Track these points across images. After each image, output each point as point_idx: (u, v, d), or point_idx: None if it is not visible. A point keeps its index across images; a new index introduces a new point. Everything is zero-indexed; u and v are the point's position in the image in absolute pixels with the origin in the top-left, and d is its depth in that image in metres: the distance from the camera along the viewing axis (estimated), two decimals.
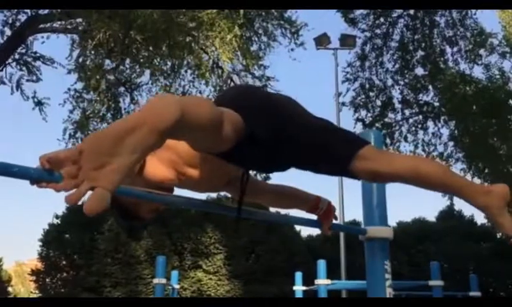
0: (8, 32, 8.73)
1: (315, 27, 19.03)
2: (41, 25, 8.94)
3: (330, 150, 1.46)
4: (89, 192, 0.85)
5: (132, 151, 0.88)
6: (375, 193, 2.11)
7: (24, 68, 9.09)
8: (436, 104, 11.69)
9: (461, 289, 7.17)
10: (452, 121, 11.68)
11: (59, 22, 8.72)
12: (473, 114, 11.03)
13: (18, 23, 8.69)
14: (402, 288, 6.43)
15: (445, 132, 11.80)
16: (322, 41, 13.21)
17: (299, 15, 9.99)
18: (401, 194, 8.03)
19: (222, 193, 1.84)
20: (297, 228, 15.19)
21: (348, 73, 11.67)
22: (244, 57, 8.93)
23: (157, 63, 8.96)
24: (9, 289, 22.11)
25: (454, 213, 16.69)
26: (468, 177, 11.33)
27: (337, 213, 1.98)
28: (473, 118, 11.03)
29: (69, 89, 8.95)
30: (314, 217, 1.89)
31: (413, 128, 11.77)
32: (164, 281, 5.50)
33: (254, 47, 9.33)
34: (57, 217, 14.82)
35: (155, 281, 5.50)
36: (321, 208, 1.86)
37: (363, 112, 11.56)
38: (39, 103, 9.13)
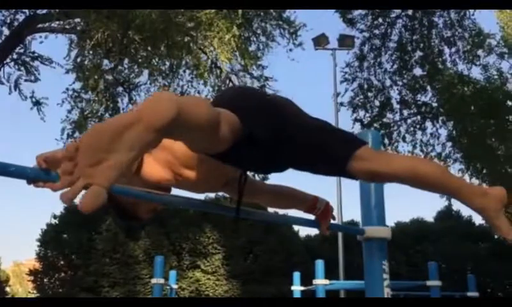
0: (6, 32, 8.73)
1: (314, 28, 19.05)
2: (40, 25, 8.92)
3: (328, 151, 1.46)
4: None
5: (129, 148, 0.87)
6: (373, 193, 2.11)
7: (22, 68, 9.08)
8: (435, 104, 11.70)
9: (459, 289, 7.17)
10: (450, 121, 11.70)
11: (57, 22, 8.70)
12: (471, 114, 11.04)
13: (16, 23, 8.68)
14: (400, 288, 6.44)
15: (443, 132, 11.83)
16: (320, 41, 13.23)
17: (298, 16, 10.01)
18: (399, 194, 8.07)
19: (220, 193, 1.83)
20: (296, 228, 15.20)
21: (346, 74, 11.69)
22: (242, 57, 8.93)
23: (155, 63, 8.95)
24: (7, 289, 22.10)
25: (452, 213, 16.71)
26: (466, 177, 11.35)
27: (335, 213, 1.98)
28: (472, 118, 11.04)
29: (67, 89, 8.94)
30: (312, 217, 1.90)
31: (411, 129, 11.79)
32: (162, 281, 5.49)
33: (252, 47, 9.34)
34: (55, 217, 14.80)
35: (153, 281, 5.49)
36: (319, 208, 1.86)
37: (361, 113, 11.58)
38: (37, 103, 9.12)
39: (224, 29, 8.06)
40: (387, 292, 1.99)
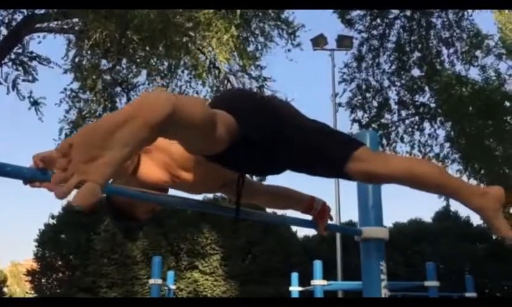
0: (4, 31, 8.72)
1: (312, 28, 19.02)
2: (38, 25, 8.91)
3: (325, 152, 1.46)
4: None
5: (124, 144, 0.87)
6: (370, 194, 2.11)
7: (20, 68, 9.07)
8: (433, 105, 11.72)
9: (457, 290, 7.17)
10: (449, 122, 11.72)
11: (55, 22, 8.69)
12: (469, 115, 11.05)
13: (14, 23, 8.67)
14: (398, 288, 6.45)
15: (442, 133, 11.85)
16: (319, 42, 13.25)
17: (296, 16, 10.00)
18: (397, 194, 8.06)
19: (218, 193, 1.83)
20: (294, 228, 15.18)
21: (345, 74, 11.70)
22: (240, 58, 8.93)
23: (153, 63, 8.94)
24: (5, 289, 22.04)
25: (450, 214, 16.71)
26: (464, 178, 11.35)
27: (333, 213, 1.98)
28: (470, 119, 11.06)
29: (65, 89, 8.94)
30: (310, 217, 1.90)
31: (410, 129, 11.81)
32: (160, 281, 5.48)
33: (251, 48, 9.34)
34: (53, 217, 14.76)
35: (151, 281, 5.48)
36: (316, 208, 1.86)
37: (359, 113, 11.60)
38: (35, 103, 9.11)
39: (223, 29, 8.06)
40: (385, 293, 1.99)
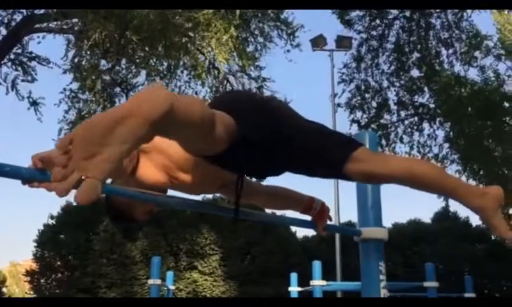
0: (3, 31, 8.71)
1: (312, 29, 19.02)
2: (37, 25, 8.91)
3: (325, 153, 1.46)
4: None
5: (123, 141, 0.87)
6: (370, 194, 2.11)
7: (20, 68, 9.07)
8: (432, 106, 11.72)
9: (456, 290, 7.18)
10: (448, 122, 11.72)
11: (54, 22, 8.69)
12: (468, 115, 11.06)
13: (13, 23, 8.66)
14: (397, 289, 6.45)
15: (441, 133, 11.85)
16: (318, 42, 13.25)
17: (296, 17, 10.00)
18: (397, 195, 8.05)
19: (218, 194, 1.83)
20: (293, 228, 15.18)
21: (344, 75, 11.70)
22: (240, 58, 8.92)
23: (153, 64, 8.94)
24: (4, 289, 22.02)
25: (449, 214, 16.72)
26: (463, 179, 11.36)
27: (333, 214, 1.98)
28: (469, 119, 11.07)
29: (64, 90, 8.93)
30: (309, 218, 1.89)
31: (409, 130, 11.81)
32: (159, 281, 5.48)
33: (250, 48, 9.34)
34: (52, 217, 14.75)
35: (150, 281, 5.48)
36: (315, 208, 1.86)
37: (358, 114, 11.60)
38: (34, 103, 9.10)
39: (222, 29, 8.05)
40: (384, 293, 1.99)
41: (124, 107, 0.91)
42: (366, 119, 11.53)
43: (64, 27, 8.72)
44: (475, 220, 16.94)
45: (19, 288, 30.31)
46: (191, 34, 8.33)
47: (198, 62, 8.85)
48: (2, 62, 8.78)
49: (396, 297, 5.98)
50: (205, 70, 9.00)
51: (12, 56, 8.98)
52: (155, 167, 1.45)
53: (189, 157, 1.40)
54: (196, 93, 9.41)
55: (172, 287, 6.96)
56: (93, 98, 8.90)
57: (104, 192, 1.37)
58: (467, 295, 6.54)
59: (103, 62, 8.82)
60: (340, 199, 12.61)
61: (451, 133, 11.78)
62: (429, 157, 11.64)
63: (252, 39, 9.39)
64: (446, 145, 11.95)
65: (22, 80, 9.09)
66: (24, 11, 8.53)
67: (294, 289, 6.10)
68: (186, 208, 2.29)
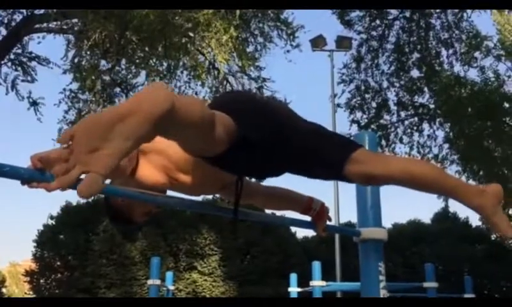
0: (3, 31, 8.72)
1: (311, 29, 18.99)
2: (37, 25, 8.91)
3: (324, 155, 1.46)
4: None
5: (125, 138, 0.87)
6: (369, 195, 2.11)
7: (19, 68, 9.07)
8: (432, 106, 11.73)
9: (456, 291, 7.17)
10: (447, 123, 11.73)
11: (54, 22, 8.69)
12: (468, 116, 11.07)
13: (13, 23, 8.67)
14: (396, 289, 6.45)
15: (440, 134, 11.87)
16: (318, 42, 13.24)
17: (296, 17, 10.00)
18: (396, 195, 8.06)
19: (217, 194, 1.83)
20: (293, 229, 15.18)
21: (344, 75, 11.71)
22: (240, 59, 8.92)
23: (152, 64, 8.94)
24: (3, 290, 22.02)
25: (449, 215, 16.72)
26: (463, 179, 11.36)
27: (332, 214, 1.98)
28: (468, 120, 11.07)
29: (64, 90, 8.94)
30: (309, 218, 1.89)
31: (409, 130, 11.82)
32: (158, 282, 5.48)
33: (250, 48, 9.34)
34: (51, 217, 14.74)
35: (150, 282, 5.48)
36: (314, 209, 1.86)
37: (358, 114, 11.61)
38: (34, 104, 9.11)
39: (222, 30, 8.05)
40: (383, 294, 1.99)
41: (126, 104, 0.91)
42: (366, 120, 11.53)
43: (64, 27, 8.72)
44: (475, 220, 16.96)
45: (18, 288, 30.30)
46: (190, 34, 8.32)
47: (198, 63, 8.85)
48: (2, 62, 8.78)
49: (396, 297, 5.98)
50: (204, 70, 9.00)
51: (12, 56, 9.00)
52: (154, 168, 1.45)
53: (189, 157, 1.40)
54: (196, 94, 9.41)
55: (171, 287, 6.96)
56: (93, 98, 8.90)
57: (103, 193, 1.37)
58: (467, 295, 6.54)
59: (103, 62, 8.82)
60: (340, 200, 12.62)
61: (451, 134, 11.79)
62: (429, 157, 11.64)
63: (252, 40, 9.39)
64: (446, 145, 11.96)
65: (22, 80, 9.11)
66: (24, 11, 8.54)
67: (294, 289, 6.10)
68: (186, 208, 2.29)
